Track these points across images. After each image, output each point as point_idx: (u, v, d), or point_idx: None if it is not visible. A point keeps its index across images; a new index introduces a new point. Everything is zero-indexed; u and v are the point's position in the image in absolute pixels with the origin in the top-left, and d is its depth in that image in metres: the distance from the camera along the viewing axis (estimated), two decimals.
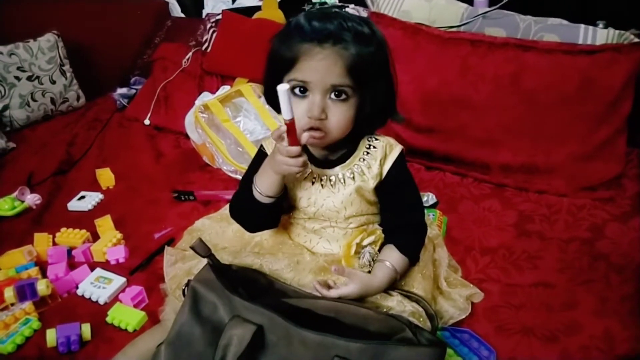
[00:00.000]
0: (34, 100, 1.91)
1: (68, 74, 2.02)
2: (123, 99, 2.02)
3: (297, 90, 0.82)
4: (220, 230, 1.07)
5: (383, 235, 0.93)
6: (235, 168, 1.47)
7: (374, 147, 0.92)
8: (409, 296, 0.88)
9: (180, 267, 0.98)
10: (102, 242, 1.22)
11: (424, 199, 1.31)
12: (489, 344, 0.90)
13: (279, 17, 1.86)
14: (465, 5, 1.59)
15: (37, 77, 1.91)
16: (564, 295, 1.02)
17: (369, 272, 0.89)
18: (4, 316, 1.01)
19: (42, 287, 1.04)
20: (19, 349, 0.97)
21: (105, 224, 1.30)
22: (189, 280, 0.83)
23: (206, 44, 1.99)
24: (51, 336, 0.96)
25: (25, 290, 1.03)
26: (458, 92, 1.45)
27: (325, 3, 1.82)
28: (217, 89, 1.76)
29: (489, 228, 1.23)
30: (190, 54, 1.97)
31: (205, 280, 0.79)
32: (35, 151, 1.75)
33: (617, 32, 1.39)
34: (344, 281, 0.86)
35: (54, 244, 1.25)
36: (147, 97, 1.92)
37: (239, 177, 1.44)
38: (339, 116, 0.83)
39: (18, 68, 1.87)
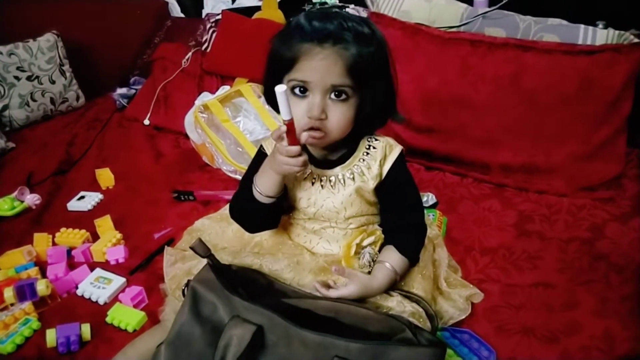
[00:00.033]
0: (34, 100, 1.90)
1: (68, 74, 2.02)
2: (123, 99, 2.02)
3: (297, 90, 0.82)
4: (220, 231, 1.07)
5: (383, 236, 0.93)
6: (235, 168, 1.47)
7: (374, 148, 0.91)
8: (409, 296, 0.88)
9: (180, 267, 0.98)
10: (102, 242, 1.22)
11: (424, 199, 1.31)
12: (489, 344, 0.90)
13: (278, 17, 1.86)
14: (465, 5, 1.59)
15: (37, 77, 1.91)
16: (564, 296, 1.02)
17: (369, 272, 0.89)
18: (4, 316, 1.01)
19: (42, 287, 1.04)
20: (18, 349, 0.97)
21: (104, 224, 1.30)
22: (188, 281, 0.83)
23: (206, 44, 1.99)
24: (51, 336, 0.96)
25: (25, 291, 1.03)
26: (458, 92, 1.45)
27: (326, 3, 1.82)
28: (217, 89, 1.76)
29: (489, 228, 1.23)
30: (190, 54, 1.97)
31: (205, 280, 0.79)
32: (34, 151, 1.75)
33: (616, 32, 1.39)
34: (343, 282, 0.86)
35: (54, 244, 1.25)
36: (147, 97, 1.92)
37: (239, 177, 1.44)
38: (338, 116, 0.83)
39: (18, 68, 1.87)
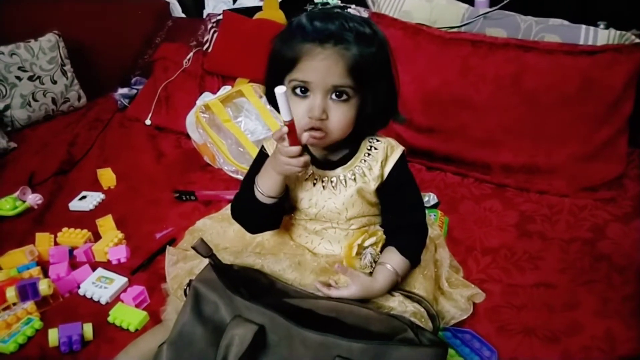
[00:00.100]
0: (35, 100, 1.91)
1: (69, 74, 2.02)
2: (124, 99, 2.03)
3: (298, 91, 0.82)
4: (221, 231, 1.07)
5: (384, 237, 0.93)
6: (236, 168, 1.47)
7: (375, 149, 0.91)
8: (411, 297, 0.88)
9: (181, 267, 0.98)
10: (104, 242, 1.22)
11: (425, 199, 1.31)
12: (490, 344, 0.90)
13: (279, 17, 1.86)
14: (466, 5, 1.59)
15: (38, 77, 1.91)
16: (566, 296, 1.02)
17: (370, 273, 0.89)
18: (6, 316, 1.01)
19: (44, 287, 1.04)
20: (21, 349, 0.97)
21: (106, 224, 1.30)
22: (190, 280, 0.83)
23: (207, 44, 2.00)
24: (53, 336, 0.96)
25: (27, 290, 1.03)
26: (459, 93, 1.45)
27: (328, 3, 1.82)
28: (218, 89, 1.76)
29: (490, 228, 1.23)
30: (191, 54, 1.97)
31: (207, 280, 0.79)
32: (36, 151, 1.76)
33: (618, 32, 1.39)
34: (344, 282, 0.86)
35: (56, 243, 1.25)
36: (148, 97, 1.92)
37: (240, 177, 1.44)
38: (339, 117, 0.83)
39: (19, 68, 1.87)
